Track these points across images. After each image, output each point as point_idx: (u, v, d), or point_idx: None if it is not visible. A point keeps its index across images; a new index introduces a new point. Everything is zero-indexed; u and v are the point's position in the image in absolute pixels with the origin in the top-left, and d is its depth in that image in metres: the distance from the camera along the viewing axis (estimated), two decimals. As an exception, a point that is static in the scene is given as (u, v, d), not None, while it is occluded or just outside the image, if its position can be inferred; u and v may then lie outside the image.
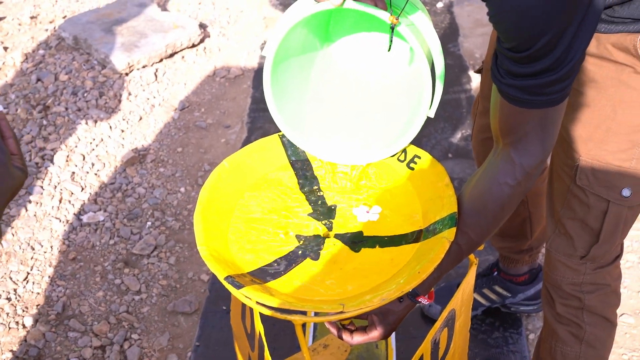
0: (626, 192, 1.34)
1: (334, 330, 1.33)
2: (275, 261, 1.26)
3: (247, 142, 2.80)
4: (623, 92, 1.28)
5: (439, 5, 3.73)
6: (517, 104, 1.10)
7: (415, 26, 1.24)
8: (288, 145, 1.46)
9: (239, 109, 3.03)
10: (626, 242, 2.31)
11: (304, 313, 1.20)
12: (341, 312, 1.14)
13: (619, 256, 1.50)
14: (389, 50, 1.22)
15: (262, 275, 1.22)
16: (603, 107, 1.30)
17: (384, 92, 1.45)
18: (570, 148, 1.37)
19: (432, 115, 1.28)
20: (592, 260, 1.46)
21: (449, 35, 3.44)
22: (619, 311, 2.07)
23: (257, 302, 1.17)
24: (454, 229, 1.23)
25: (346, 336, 1.33)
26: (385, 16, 1.16)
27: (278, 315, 1.15)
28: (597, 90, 1.30)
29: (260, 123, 2.90)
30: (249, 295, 1.15)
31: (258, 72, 3.22)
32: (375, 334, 1.30)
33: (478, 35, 3.44)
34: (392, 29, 1.18)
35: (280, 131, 1.43)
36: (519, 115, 1.12)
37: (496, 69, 1.10)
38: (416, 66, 1.24)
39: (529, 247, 1.90)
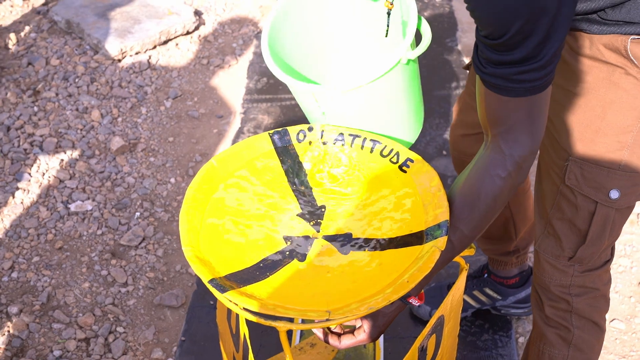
0: (614, 194, 1.34)
1: (320, 335, 1.31)
2: (261, 262, 1.24)
3: (239, 133, 2.77)
4: (613, 93, 1.27)
5: (438, -2, 3.69)
6: (501, 93, 1.11)
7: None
8: (278, 144, 1.43)
9: (233, 99, 2.99)
10: (619, 246, 2.29)
11: (289, 319, 1.17)
12: (327, 320, 1.12)
13: (609, 260, 1.49)
14: (386, 36, 1.25)
15: (248, 276, 1.20)
16: (593, 108, 1.30)
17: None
18: (561, 148, 1.36)
19: (412, 56, 1.30)
20: (580, 262, 1.45)
21: (447, 30, 3.40)
22: (610, 316, 2.06)
23: (243, 308, 1.15)
24: (445, 238, 1.21)
25: (333, 340, 1.30)
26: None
27: (262, 321, 1.13)
28: (588, 90, 1.30)
29: (253, 114, 2.87)
30: (233, 300, 1.13)
31: (253, 62, 3.18)
32: (364, 336, 1.29)
33: (476, 30, 3.41)
34: (388, 14, 1.22)
35: (270, 130, 1.43)
36: (503, 104, 1.13)
37: (477, 59, 1.12)
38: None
39: (515, 249, 1.88)
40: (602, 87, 1.28)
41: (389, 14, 1.23)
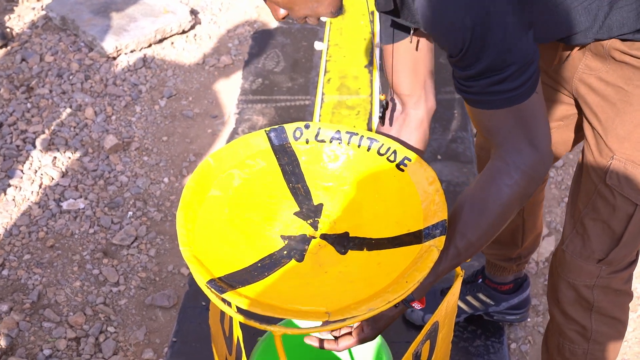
0: None
1: (315, 344, 1.30)
2: (259, 261, 1.23)
3: (234, 133, 2.76)
4: None
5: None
6: (481, 107, 1.15)
7: None
8: (274, 141, 1.42)
9: (227, 99, 2.98)
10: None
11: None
12: (326, 322, 1.11)
13: (634, 262, 1.51)
14: None
15: (246, 276, 1.19)
16: None
17: None
18: (605, 146, 1.36)
19: None
20: (609, 264, 1.46)
21: (443, 34, 3.40)
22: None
23: (237, 311, 1.14)
24: (443, 237, 1.20)
25: (330, 345, 1.29)
26: None
27: (257, 325, 1.12)
28: None
29: (248, 115, 2.86)
30: (232, 301, 1.12)
31: (248, 62, 3.17)
32: (362, 337, 1.28)
33: (472, 35, 3.41)
34: None
35: (267, 127, 1.41)
36: (490, 118, 1.15)
37: (454, 81, 1.16)
38: None
39: (518, 256, 1.88)
40: None
41: None
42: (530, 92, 1.12)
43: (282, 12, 1.20)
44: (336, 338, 1.31)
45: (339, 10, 1.22)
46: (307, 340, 1.31)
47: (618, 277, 1.49)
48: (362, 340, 1.28)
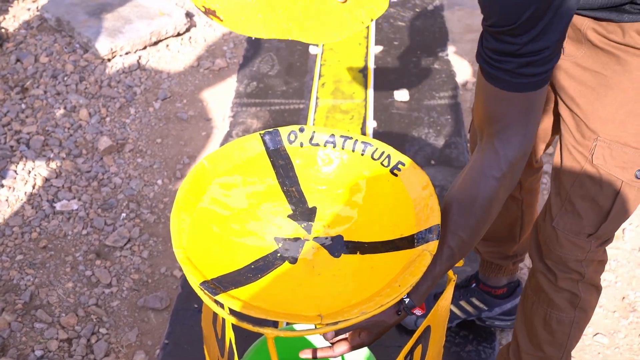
0: None
1: (308, 355, 1.30)
2: (252, 264, 1.23)
3: (228, 136, 2.76)
4: None
5: (429, 8, 3.71)
6: (500, 86, 1.14)
7: None
8: (269, 144, 1.43)
9: (222, 102, 2.98)
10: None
11: (277, 325, 1.16)
12: (320, 325, 1.11)
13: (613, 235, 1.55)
14: None
15: (239, 278, 1.19)
16: (627, 90, 1.33)
17: None
18: (587, 128, 1.39)
19: None
20: (598, 238, 1.50)
21: (437, 40, 3.41)
22: (593, 330, 2.08)
23: (230, 312, 1.14)
24: (436, 242, 1.20)
25: (325, 352, 1.29)
26: None
27: (250, 327, 1.12)
28: (622, 73, 1.33)
29: (242, 118, 2.86)
30: (225, 303, 1.12)
31: (243, 65, 3.18)
32: (358, 343, 1.28)
33: (467, 41, 3.42)
34: None
35: (261, 130, 1.42)
36: (502, 100, 1.15)
37: (482, 51, 1.14)
38: None
39: (514, 254, 1.89)
40: (636, 70, 1.31)
41: None
42: (546, 81, 1.14)
43: None
44: (332, 344, 1.30)
45: None
46: (302, 355, 1.30)
47: (602, 249, 1.54)
48: (357, 346, 1.28)
